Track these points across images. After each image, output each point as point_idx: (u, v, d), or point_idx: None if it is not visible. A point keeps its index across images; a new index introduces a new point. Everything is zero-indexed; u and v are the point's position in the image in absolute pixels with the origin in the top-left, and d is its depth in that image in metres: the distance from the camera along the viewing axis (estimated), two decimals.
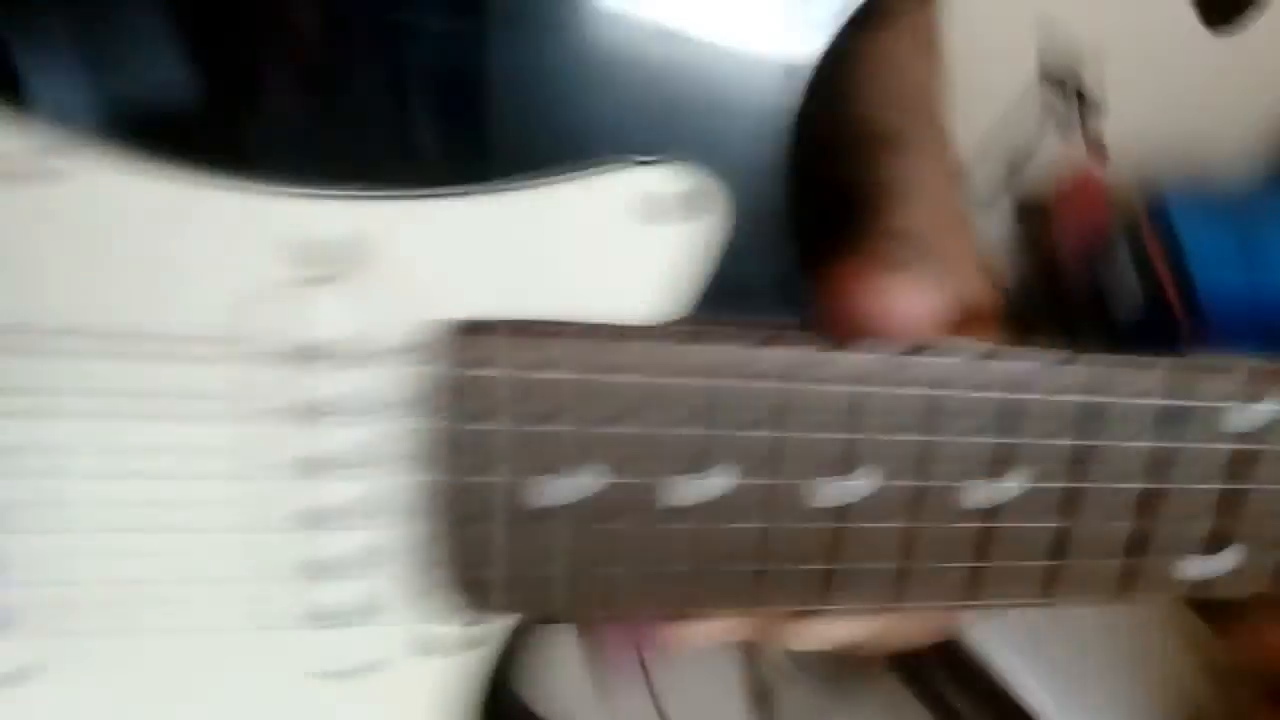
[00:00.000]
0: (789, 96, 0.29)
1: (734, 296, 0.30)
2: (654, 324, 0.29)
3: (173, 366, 0.26)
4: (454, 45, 0.27)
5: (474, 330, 0.28)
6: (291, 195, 0.26)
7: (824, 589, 0.32)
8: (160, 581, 0.28)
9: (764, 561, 0.31)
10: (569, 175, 0.28)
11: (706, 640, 0.33)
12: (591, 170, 0.28)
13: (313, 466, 0.28)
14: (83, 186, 0.25)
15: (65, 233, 0.25)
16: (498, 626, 0.31)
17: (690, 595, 0.31)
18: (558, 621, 0.33)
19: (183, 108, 0.25)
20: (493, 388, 0.28)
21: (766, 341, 0.30)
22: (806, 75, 0.29)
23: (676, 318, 0.29)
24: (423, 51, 0.27)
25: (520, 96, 0.27)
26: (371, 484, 0.28)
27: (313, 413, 0.27)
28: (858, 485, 0.31)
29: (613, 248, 0.29)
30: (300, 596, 0.29)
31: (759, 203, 0.30)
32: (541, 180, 0.28)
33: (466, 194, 0.27)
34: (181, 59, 0.25)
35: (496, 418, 0.28)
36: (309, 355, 0.27)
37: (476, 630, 0.31)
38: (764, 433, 0.30)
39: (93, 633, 0.28)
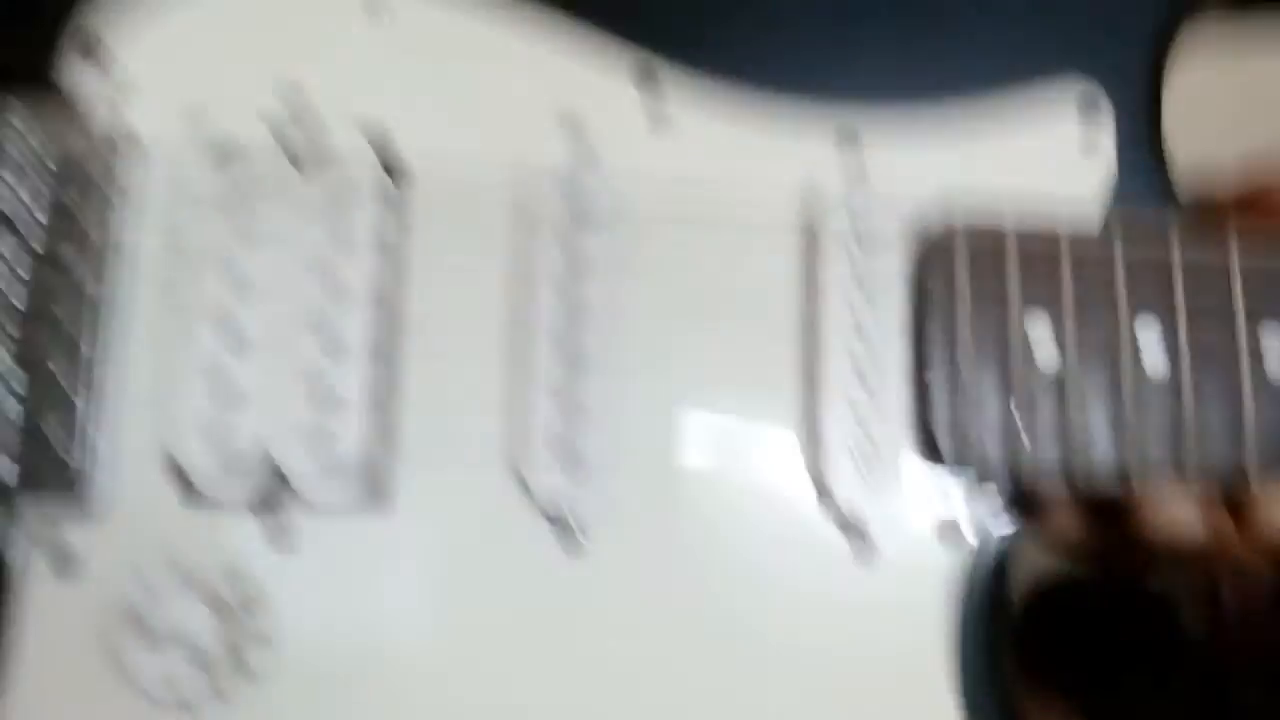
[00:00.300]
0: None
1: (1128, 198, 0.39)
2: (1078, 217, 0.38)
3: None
4: None
5: (943, 219, 0.37)
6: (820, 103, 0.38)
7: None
8: (723, 432, 0.36)
9: (1211, 422, 0.36)
10: (1011, 89, 0.38)
11: (1184, 516, 0.36)
12: (1030, 85, 0.38)
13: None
14: None
15: None
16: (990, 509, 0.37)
17: (1157, 465, 0.36)
18: (1030, 493, 0.38)
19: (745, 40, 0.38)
20: (955, 261, 0.37)
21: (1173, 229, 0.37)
22: None
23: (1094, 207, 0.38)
24: None
25: (976, 25, 0.38)
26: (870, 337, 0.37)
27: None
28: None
29: (1041, 149, 0.38)
30: (844, 442, 0.36)
31: (1143, 119, 0.39)
32: (990, 94, 0.38)
33: (934, 101, 0.38)
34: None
35: (957, 279, 0.36)
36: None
37: (972, 506, 0.37)
38: (1186, 302, 0.37)
39: (644, 507, 0.35)
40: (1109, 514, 0.38)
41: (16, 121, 0.34)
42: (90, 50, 0.35)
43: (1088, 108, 0.39)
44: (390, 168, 0.36)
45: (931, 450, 0.36)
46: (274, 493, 0.34)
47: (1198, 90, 0.45)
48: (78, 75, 0.35)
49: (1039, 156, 0.39)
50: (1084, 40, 0.39)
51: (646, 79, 0.38)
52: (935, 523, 0.37)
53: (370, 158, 0.36)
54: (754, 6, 0.38)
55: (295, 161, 0.35)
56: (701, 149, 0.37)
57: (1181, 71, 0.41)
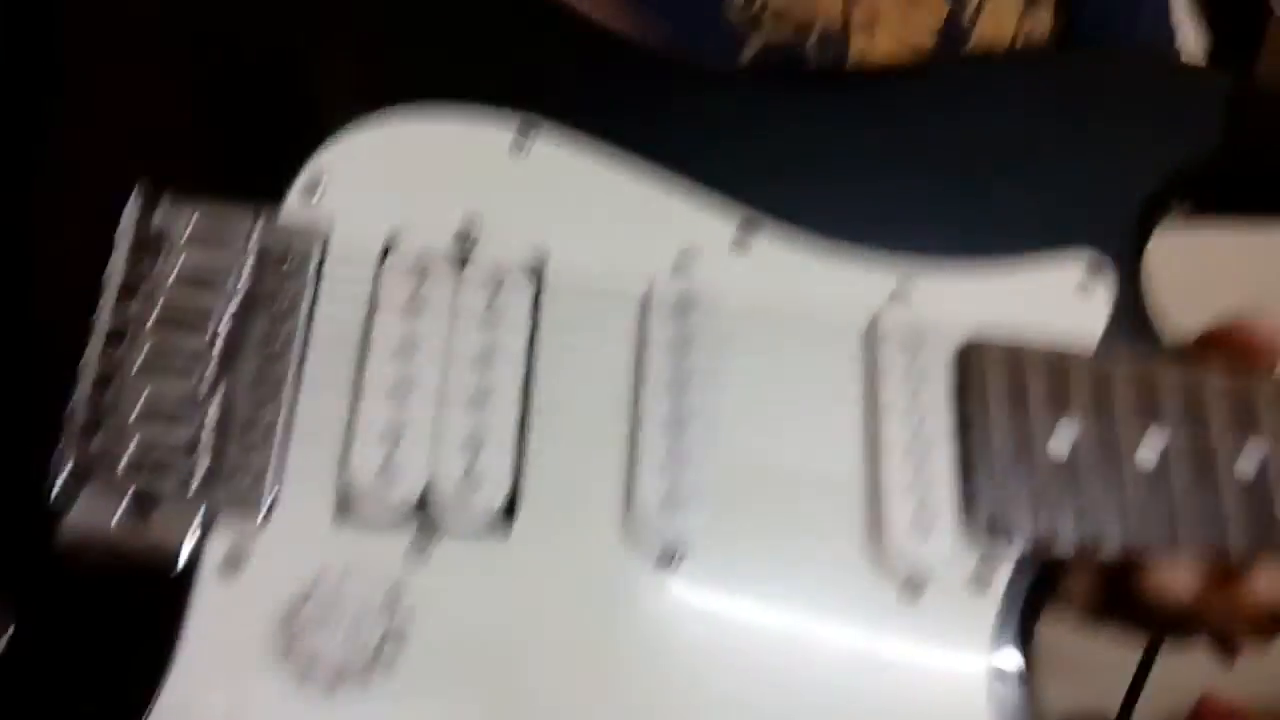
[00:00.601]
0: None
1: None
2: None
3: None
4: (970, 153, 0.49)
5: (978, 343, 0.46)
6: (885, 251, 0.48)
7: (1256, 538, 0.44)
8: (795, 491, 0.44)
9: (1199, 511, 0.43)
10: (1033, 254, 0.49)
11: (1178, 583, 0.43)
12: (1049, 250, 0.49)
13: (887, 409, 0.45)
14: None
15: None
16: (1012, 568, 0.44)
17: (1157, 534, 0.43)
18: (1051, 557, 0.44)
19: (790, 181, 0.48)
20: (988, 374, 0.45)
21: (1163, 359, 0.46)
22: None
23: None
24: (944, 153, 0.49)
25: (1010, 202, 0.49)
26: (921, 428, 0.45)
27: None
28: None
29: (1053, 304, 0.48)
30: (900, 503, 0.43)
31: (1134, 281, 0.49)
32: (1016, 257, 0.48)
33: (975, 257, 0.48)
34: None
35: (990, 380, 0.45)
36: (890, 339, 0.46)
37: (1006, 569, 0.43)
38: (1173, 414, 0.45)
39: (737, 528, 0.42)
40: (1115, 578, 0.44)
41: (255, 224, 0.43)
42: (313, 182, 0.45)
43: (1094, 269, 0.49)
44: (535, 269, 0.45)
45: (973, 518, 0.44)
46: (418, 514, 0.41)
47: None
48: (299, 198, 0.45)
49: (1052, 305, 0.48)
50: (1091, 217, 0.50)
51: (747, 225, 0.47)
52: (971, 576, 0.43)
53: (519, 257, 0.45)
54: (837, 178, 0.49)
55: (461, 261, 0.44)
56: (788, 279, 0.47)
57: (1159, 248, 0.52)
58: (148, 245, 0.43)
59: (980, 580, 0.44)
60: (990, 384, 0.46)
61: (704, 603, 0.42)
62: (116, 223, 0.43)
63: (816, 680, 0.42)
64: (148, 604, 0.39)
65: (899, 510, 0.43)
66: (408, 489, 0.41)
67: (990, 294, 0.48)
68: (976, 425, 0.45)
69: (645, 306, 0.45)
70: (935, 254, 0.49)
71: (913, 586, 0.43)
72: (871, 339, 0.46)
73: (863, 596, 0.43)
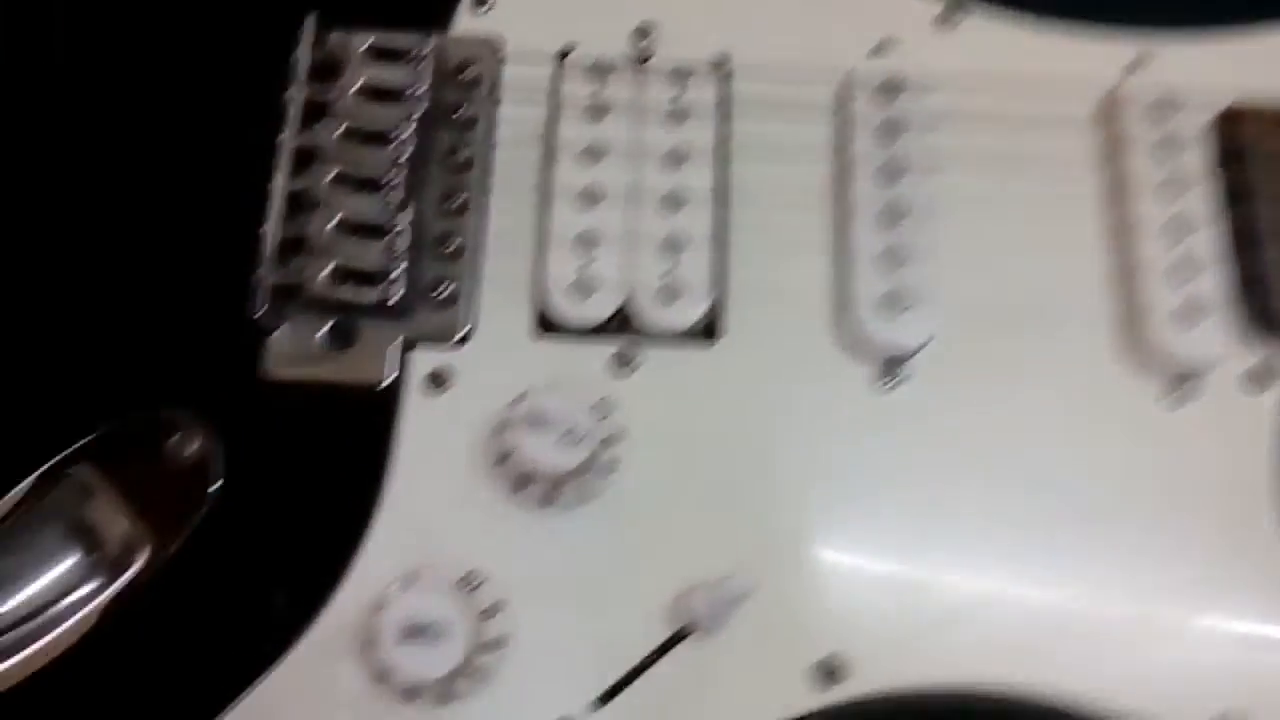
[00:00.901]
0: None
1: None
2: None
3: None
4: None
5: (1241, 107, 0.41)
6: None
7: None
8: (1032, 285, 0.39)
9: None
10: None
11: None
12: None
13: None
14: None
15: None
16: None
17: None
18: None
19: None
20: (1258, 138, 0.39)
21: None
22: None
23: None
24: None
25: None
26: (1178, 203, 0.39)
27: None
28: None
29: None
30: (1161, 290, 0.38)
31: None
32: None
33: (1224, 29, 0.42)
34: None
35: (1263, 158, 0.39)
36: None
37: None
38: None
39: (968, 331, 0.38)
40: None
41: (429, 38, 0.41)
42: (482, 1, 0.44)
43: None
44: (720, 62, 0.42)
45: (1248, 304, 0.38)
46: (620, 324, 0.39)
47: None
48: (469, 12, 0.43)
49: None
50: None
51: (952, 7, 0.43)
52: (1248, 373, 0.38)
53: (701, 51, 0.41)
54: None
55: (641, 60, 0.41)
56: (1003, 56, 0.42)
57: None
58: (325, 69, 0.42)
59: (1259, 378, 0.38)
60: (1260, 150, 0.39)
61: (933, 414, 0.38)
62: (291, 52, 0.42)
63: (1069, 491, 0.37)
64: (357, 423, 0.39)
65: (1159, 298, 0.38)
66: (606, 298, 0.39)
67: (1246, 57, 0.42)
68: (1246, 196, 0.39)
69: (846, 91, 0.41)
70: (1177, 25, 0.43)
71: (1177, 387, 0.38)
72: (1109, 110, 0.41)
73: (1119, 400, 0.38)
